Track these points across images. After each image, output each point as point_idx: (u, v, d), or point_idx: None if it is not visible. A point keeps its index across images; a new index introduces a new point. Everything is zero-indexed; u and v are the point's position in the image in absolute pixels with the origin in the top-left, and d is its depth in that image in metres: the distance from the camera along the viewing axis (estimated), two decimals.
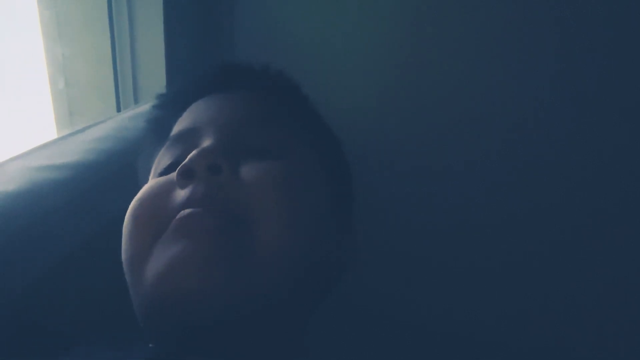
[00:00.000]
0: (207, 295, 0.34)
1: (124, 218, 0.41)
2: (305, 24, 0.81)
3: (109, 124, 0.62)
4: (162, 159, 0.45)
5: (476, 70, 0.73)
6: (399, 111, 0.77)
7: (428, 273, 0.78)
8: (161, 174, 0.44)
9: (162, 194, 0.39)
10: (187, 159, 0.38)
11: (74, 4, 0.78)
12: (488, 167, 0.75)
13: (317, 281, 0.42)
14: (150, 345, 0.40)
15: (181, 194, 0.38)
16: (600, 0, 0.67)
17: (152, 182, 0.42)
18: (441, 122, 0.76)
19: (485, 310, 0.77)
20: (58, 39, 0.79)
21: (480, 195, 0.75)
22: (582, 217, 0.73)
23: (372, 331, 0.72)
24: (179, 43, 0.80)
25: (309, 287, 0.41)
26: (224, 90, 0.48)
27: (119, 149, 0.57)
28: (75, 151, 0.55)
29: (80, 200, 0.51)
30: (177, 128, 0.46)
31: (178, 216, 0.36)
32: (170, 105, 0.51)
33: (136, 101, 0.81)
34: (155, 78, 0.80)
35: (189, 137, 0.43)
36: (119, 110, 0.81)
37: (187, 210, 0.36)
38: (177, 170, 0.38)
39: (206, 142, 0.41)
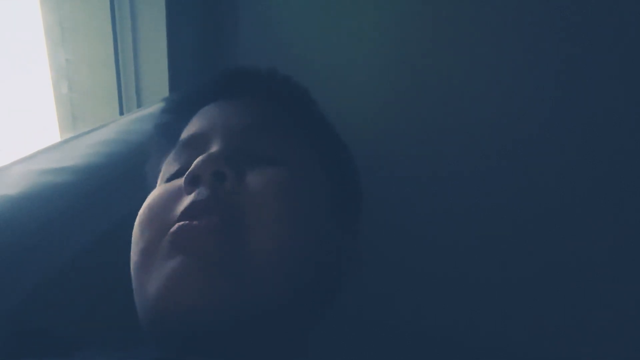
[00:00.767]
0: (207, 309, 0.34)
1: (127, 221, 0.41)
2: (309, 28, 0.81)
3: (112, 127, 0.62)
4: (170, 164, 0.45)
5: (483, 72, 0.73)
6: (404, 114, 0.77)
7: (431, 276, 0.77)
8: (168, 180, 0.44)
9: (168, 201, 0.39)
10: (192, 166, 0.38)
11: (77, 9, 0.78)
12: (494, 169, 0.75)
13: (318, 290, 0.42)
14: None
15: (187, 199, 0.38)
16: (600, 0, 0.67)
17: (160, 188, 0.42)
18: (446, 126, 0.76)
19: (488, 313, 0.76)
20: (61, 44, 0.79)
21: (485, 198, 0.75)
22: (586, 220, 0.72)
23: (375, 335, 0.72)
24: (182, 47, 0.80)
25: (310, 295, 0.41)
26: (232, 96, 0.48)
27: (123, 152, 0.57)
28: (79, 154, 0.55)
29: (83, 203, 0.50)
30: (185, 134, 0.46)
31: (172, 230, 0.36)
32: (179, 110, 0.51)
33: (139, 106, 0.81)
34: (158, 82, 0.80)
35: (197, 143, 0.44)
36: (122, 115, 0.81)
37: (180, 224, 0.36)
38: (184, 177, 0.39)
39: (213, 149, 0.42)
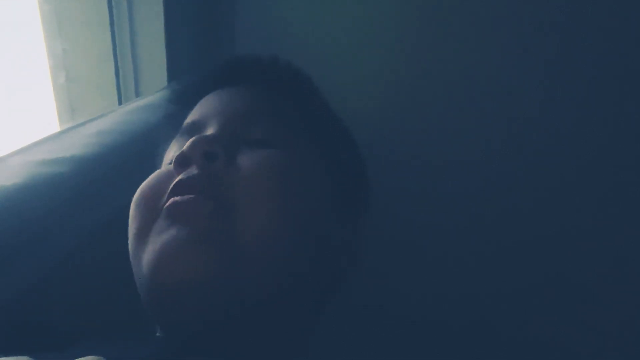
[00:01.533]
0: (199, 279, 0.35)
1: (126, 211, 0.41)
2: (308, 19, 0.80)
3: (111, 117, 0.62)
4: (171, 150, 0.46)
5: (485, 67, 0.72)
6: (408, 103, 0.76)
7: (435, 272, 0.77)
8: (169, 164, 0.44)
9: (160, 181, 0.40)
10: (184, 147, 0.39)
11: None
12: (496, 164, 0.74)
13: (316, 276, 0.42)
14: (158, 334, 0.40)
15: (176, 179, 0.38)
16: (600, 1, 0.66)
17: (156, 171, 0.43)
18: (452, 115, 0.75)
19: (491, 308, 0.76)
20: (58, 34, 0.78)
21: (487, 192, 0.75)
22: (589, 217, 0.72)
23: (376, 331, 0.72)
24: (180, 37, 0.80)
25: (307, 281, 0.41)
26: (234, 84, 0.48)
27: (121, 142, 0.57)
28: (77, 145, 0.54)
29: (82, 193, 0.50)
30: (186, 121, 0.47)
31: (168, 203, 0.37)
32: (183, 99, 0.52)
33: (137, 95, 0.81)
34: (156, 72, 0.79)
35: (195, 129, 0.44)
36: (120, 104, 0.81)
37: (176, 197, 0.37)
38: (174, 158, 0.39)
39: (207, 132, 0.42)
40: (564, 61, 0.69)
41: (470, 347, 0.74)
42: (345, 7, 0.77)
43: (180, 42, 0.80)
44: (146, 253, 0.37)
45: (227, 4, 0.83)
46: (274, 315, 0.38)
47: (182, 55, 0.80)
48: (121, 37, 0.80)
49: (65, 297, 0.46)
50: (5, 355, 0.33)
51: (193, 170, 0.38)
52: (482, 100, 0.73)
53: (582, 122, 0.70)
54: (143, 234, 0.38)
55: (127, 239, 0.41)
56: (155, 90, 0.73)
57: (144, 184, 0.41)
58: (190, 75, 0.75)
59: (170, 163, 0.44)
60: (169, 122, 0.53)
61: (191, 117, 0.46)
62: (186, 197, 0.36)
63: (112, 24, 0.79)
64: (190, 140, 0.39)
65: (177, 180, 0.38)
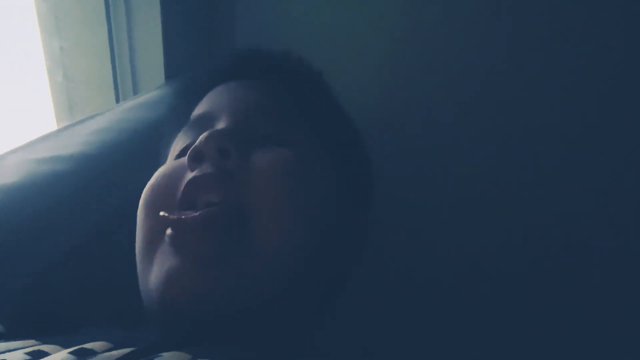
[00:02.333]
0: (208, 305, 0.34)
1: (126, 208, 0.41)
2: (309, 16, 0.80)
3: (109, 115, 0.62)
4: (178, 142, 0.45)
5: (496, 62, 0.72)
6: (409, 103, 0.76)
7: (440, 269, 0.77)
8: (176, 158, 0.44)
9: (173, 178, 0.39)
10: (197, 142, 0.38)
11: None
12: (503, 159, 0.74)
13: (324, 275, 0.42)
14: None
15: (190, 175, 0.38)
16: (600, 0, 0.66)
17: (165, 166, 0.42)
18: (462, 112, 0.74)
19: (493, 310, 0.76)
20: (55, 32, 0.78)
21: (493, 188, 0.74)
22: (588, 217, 0.71)
23: (382, 330, 0.71)
24: (178, 34, 0.80)
25: (315, 280, 0.41)
26: (244, 77, 0.47)
27: (120, 139, 0.57)
28: (76, 142, 0.55)
29: (81, 191, 0.50)
30: (195, 113, 0.46)
31: (167, 232, 0.36)
32: (191, 91, 0.51)
33: (135, 93, 0.81)
34: (154, 70, 0.79)
35: (204, 122, 0.43)
36: (118, 102, 0.81)
37: (177, 218, 0.36)
38: (187, 153, 0.38)
39: (219, 126, 0.41)
40: (567, 59, 0.69)
41: (474, 345, 0.74)
42: (347, 0, 0.77)
43: (178, 40, 0.80)
44: (153, 273, 0.36)
45: (226, 1, 0.83)
46: (282, 315, 0.38)
47: (180, 53, 0.80)
48: (118, 34, 0.80)
49: (64, 294, 0.46)
50: (14, 339, 0.33)
51: (206, 166, 0.37)
52: (491, 95, 0.73)
53: (581, 121, 0.70)
54: (152, 243, 0.37)
55: (125, 236, 0.41)
56: (153, 87, 0.73)
57: (154, 182, 0.40)
58: (189, 72, 0.75)
59: (176, 157, 0.44)
60: (174, 114, 0.51)
61: (200, 109, 0.45)
62: (185, 229, 0.35)
63: (109, 21, 0.79)
64: (204, 135, 0.38)
65: (190, 178, 0.37)
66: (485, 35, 0.71)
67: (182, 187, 0.37)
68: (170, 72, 0.78)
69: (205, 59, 0.82)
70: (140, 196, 0.41)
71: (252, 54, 0.51)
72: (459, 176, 0.76)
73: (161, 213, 0.37)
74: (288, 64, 0.50)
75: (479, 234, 0.76)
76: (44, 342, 0.33)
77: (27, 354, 0.30)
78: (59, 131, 0.58)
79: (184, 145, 0.44)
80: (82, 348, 0.31)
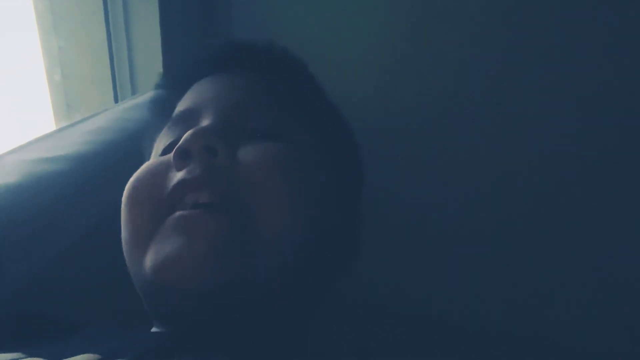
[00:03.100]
0: (205, 290, 0.34)
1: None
2: (306, 12, 0.79)
3: (107, 115, 0.62)
4: (163, 138, 0.44)
5: (487, 59, 0.72)
6: (405, 92, 0.76)
7: (435, 270, 0.77)
8: (162, 154, 0.43)
9: (158, 175, 0.39)
10: (182, 140, 0.37)
11: None
12: (493, 162, 0.74)
13: (319, 268, 0.42)
14: (154, 329, 0.40)
15: (177, 175, 0.37)
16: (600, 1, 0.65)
17: (149, 163, 0.42)
18: (450, 105, 0.74)
19: (491, 304, 0.76)
20: (53, 31, 0.78)
21: (485, 184, 0.75)
22: (588, 217, 0.72)
23: (375, 329, 0.71)
24: (176, 33, 0.80)
25: (311, 273, 0.41)
26: (227, 70, 0.47)
27: (118, 140, 0.57)
28: (74, 143, 0.54)
29: (80, 191, 0.50)
30: (178, 108, 0.45)
31: (175, 215, 0.36)
32: (173, 85, 0.50)
33: (134, 92, 0.81)
34: (152, 69, 0.79)
35: (189, 118, 0.43)
36: (116, 101, 0.81)
37: (184, 212, 0.35)
38: (173, 152, 0.38)
39: (204, 123, 0.40)
40: (564, 58, 0.69)
41: (470, 339, 0.74)
42: None
43: (177, 39, 0.80)
44: (149, 257, 0.36)
45: (224, 1, 0.83)
46: (277, 308, 0.38)
47: (178, 52, 0.80)
48: (117, 34, 0.79)
49: (62, 293, 0.46)
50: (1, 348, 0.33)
51: (194, 165, 0.37)
52: (481, 88, 0.73)
53: (581, 121, 0.70)
54: (143, 234, 0.37)
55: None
56: (151, 87, 0.73)
57: (138, 177, 0.39)
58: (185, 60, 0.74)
59: (161, 154, 0.43)
60: (156, 109, 0.51)
61: (183, 105, 0.44)
62: (194, 212, 0.35)
63: (107, 20, 0.78)
64: (189, 132, 0.37)
65: (181, 179, 0.37)
66: (479, 32, 0.71)
67: (169, 185, 0.37)
68: (169, 72, 0.78)
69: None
70: None
71: (235, 45, 0.50)
72: (456, 173, 0.76)
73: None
74: (272, 55, 0.49)
75: (474, 229, 0.76)
76: (30, 355, 0.32)
77: None
78: (57, 131, 0.58)
79: (169, 142, 0.43)
80: None
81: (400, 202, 0.77)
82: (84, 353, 0.31)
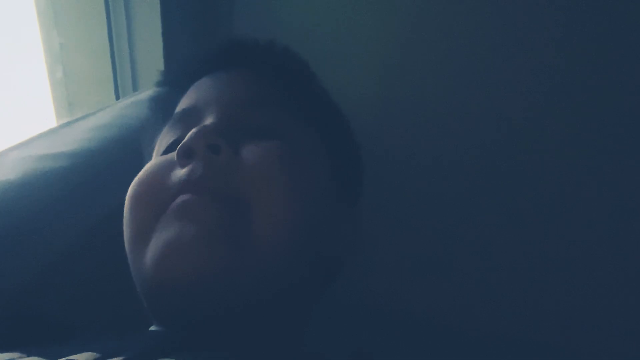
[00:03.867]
0: (207, 278, 0.34)
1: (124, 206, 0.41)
2: (307, 11, 0.79)
3: (108, 112, 0.62)
4: (165, 137, 0.45)
5: (487, 59, 0.72)
6: (407, 90, 0.75)
7: (435, 270, 0.77)
8: (163, 153, 0.43)
9: (162, 173, 0.39)
10: (186, 138, 0.38)
11: None
12: (492, 163, 0.74)
13: (318, 266, 0.42)
14: (152, 328, 0.40)
15: (181, 173, 0.37)
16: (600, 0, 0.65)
17: (153, 161, 0.42)
18: (451, 102, 0.74)
19: (493, 308, 0.76)
20: (55, 28, 0.78)
21: (484, 184, 0.75)
22: (589, 217, 0.72)
23: (373, 330, 0.71)
24: (178, 31, 0.80)
25: (310, 271, 0.41)
26: (229, 68, 0.47)
27: (119, 136, 0.57)
28: (75, 139, 0.55)
29: (81, 188, 0.50)
30: (180, 106, 0.45)
31: (177, 200, 0.36)
32: (175, 83, 0.50)
33: (135, 90, 0.81)
34: (153, 66, 0.79)
35: (191, 116, 0.43)
36: (117, 99, 0.81)
37: (186, 196, 0.36)
38: (177, 150, 0.38)
39: (207, 121, 0.41)
40: (565, 59, 0.69)
41: (470, 339, 0.74)
42: None
43: (178, 36, 0.80)
44: (150, 249, 0.36)
45: None
46: (276, 306, 0.38)
47: (180, 50, 0.80)
48: (118, 31, 0.79)
49: (62, 292, 0.46)
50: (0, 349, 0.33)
51: (197, 163, 0.37)
52: (482, 88, 0.73)
53: (581, 122, 0.70)
54: (145, 231, 0.37)
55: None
56: (152, 84, 0.73)
57: (142, 176, 0.40)
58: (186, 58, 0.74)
59: (163, 153, 0.43)
60: (158, 107, 0.51)
61: (185, 103, 0.45)
62: (197, 196, 0.36)
63: (108, 18, 0.78)
64: (193, 131, 0.38)
65: (185, 178, 0.37)
66: (481, 32, 0.71)
67: (172, 183, 0.37)
68: (170, 69, 0.78)
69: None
70: None
71: (236, 43, 0.50)
72: (456, 173, 0.76)
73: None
74: (273, 53, 0.49)
75: (474, 230, 0.76)
76: (29, 354, 0.32)
77: None
78: (58, 128, 0.58)
79: (171, 140, 0.43)
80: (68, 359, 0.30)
81: (400, 202, 0.77)
82: (83, 352, 0.31)
